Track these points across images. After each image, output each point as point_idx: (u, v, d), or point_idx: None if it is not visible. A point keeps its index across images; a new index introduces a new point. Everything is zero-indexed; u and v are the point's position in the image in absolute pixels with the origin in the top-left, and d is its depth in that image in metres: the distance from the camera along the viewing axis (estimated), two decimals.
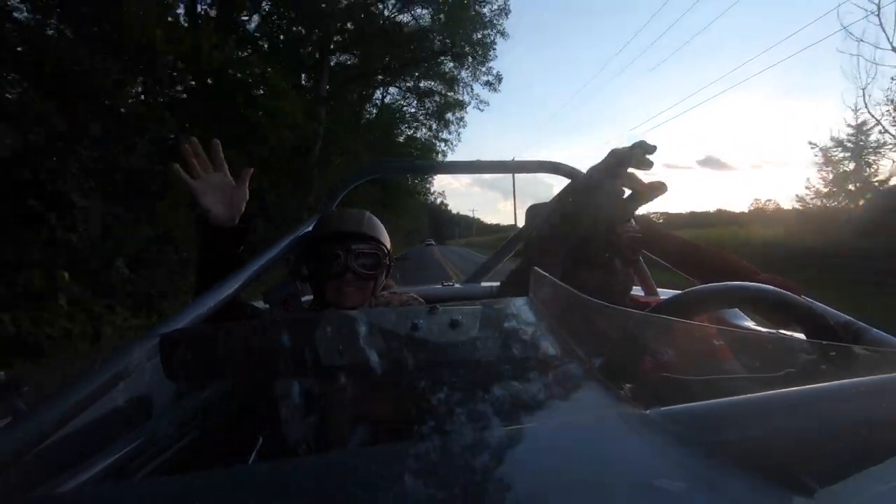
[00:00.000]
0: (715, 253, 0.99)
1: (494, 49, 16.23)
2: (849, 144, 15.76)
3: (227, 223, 0.91)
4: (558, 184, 1.37)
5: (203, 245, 0.93)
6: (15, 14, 5.05)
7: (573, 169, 1.37)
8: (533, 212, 1.26)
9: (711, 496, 0.25)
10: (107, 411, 0.77)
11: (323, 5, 12.47)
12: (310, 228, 1.11)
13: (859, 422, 0.29)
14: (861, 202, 14.29)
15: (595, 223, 0.87)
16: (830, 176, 16.25)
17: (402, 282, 1.28)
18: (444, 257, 25.65)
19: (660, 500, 0.25)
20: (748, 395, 0.32)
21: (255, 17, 12.45)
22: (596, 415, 0.34)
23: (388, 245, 1.04)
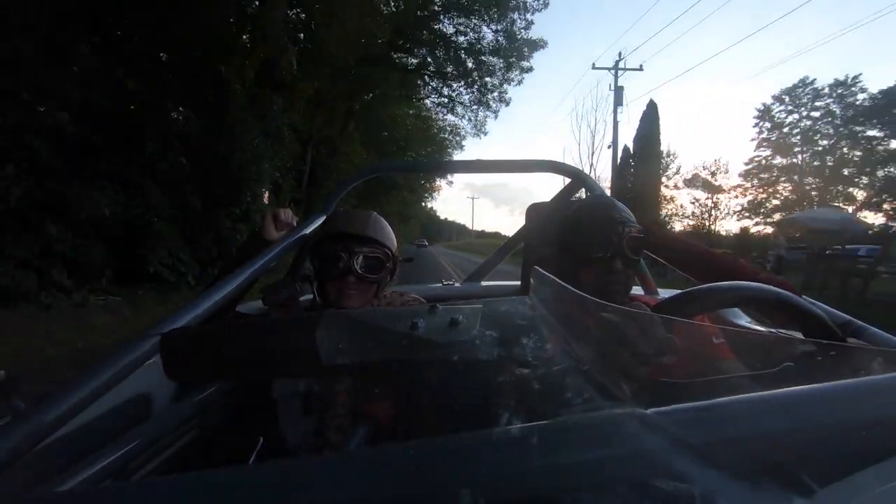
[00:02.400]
0: (715, 253, 0.99)
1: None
2: None
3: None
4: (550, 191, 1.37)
5: (248, 244, 1.03)
6: None
7: (573, 168, 1.37)
8: (533, 212, 1.26)
9: (711, 496, 0.25)
10: (107, 411, 0.78)
11: None
12: (309, 229, 1.11)
13: (859, 422, 0.29)
14: None
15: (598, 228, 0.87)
16: None
17: (404, 278, 1.27)
18: (432, 252, 38.08)
19: (660, 501, 0.25)
20: (748, 394, 0.32)
21: None
22: (596, 415, 0.34)
23: (394, 247, 1.04)
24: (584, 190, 1.32)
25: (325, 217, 1.18)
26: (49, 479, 0.53)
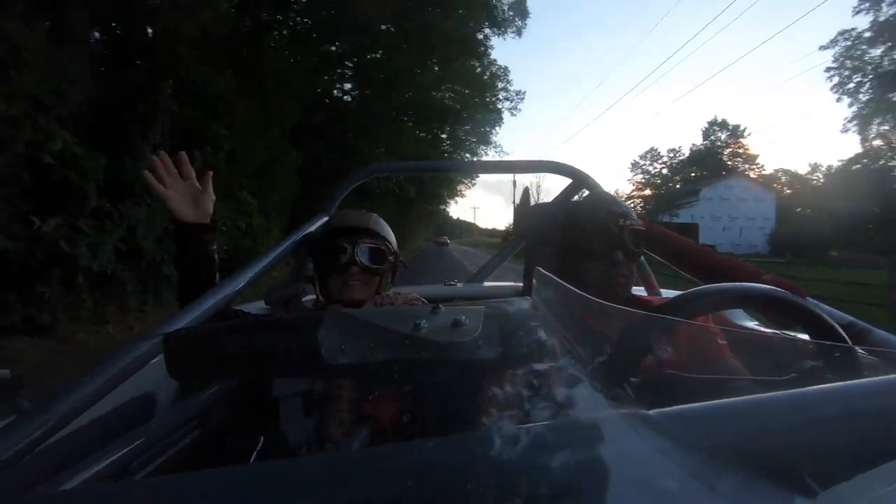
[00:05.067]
0: (716, 254, 0.99)
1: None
2: None
3: (196, 221, 0.93)
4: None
5: (178, 246, 0.94)
6: None
7: (574, 169, 1.37)
8: (534, 212, 1.26)
9: (712, 497, 0.25)
10: (110, 410, 0.78)
11: None
12: (312, 229, 1.11)
13: (861, 423, 0.29)
14: None
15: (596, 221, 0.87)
16: None
17: (412, 275, 1.28)
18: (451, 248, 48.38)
19: (660, 500, 0.25)
20: (750, 395, 0.32)
21: None
22: (597, 415, 0.34)
23: (395, 246, 1.05)
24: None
25: (325, 218, 1.18)
26: (52, 478, 0.53)
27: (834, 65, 17.39)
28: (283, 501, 0.26)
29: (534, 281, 0.62)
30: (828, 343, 0.50)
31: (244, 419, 0.92)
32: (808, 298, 0.58)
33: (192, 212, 0.92)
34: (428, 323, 0.52)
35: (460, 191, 33.53)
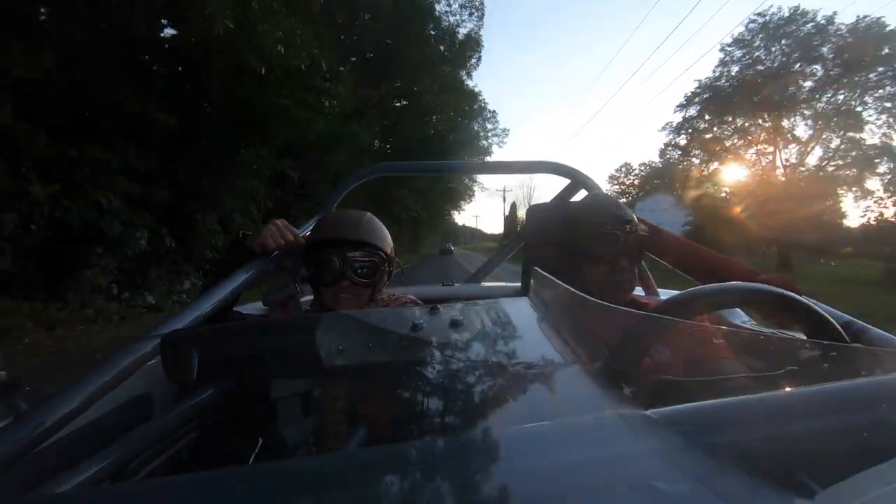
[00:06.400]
0: (715, 254, 0.99)
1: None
2: None
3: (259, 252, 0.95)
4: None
5: (232, 260, 0.95)
6: None
7: (573, 169, 1.37)
8: (534, 212, 1.26)
9: (711, 497, 0.25)
10: (108, 411, 0.78)
11: None
12: (309, 231, 1.10)
13: (860, 422, 0.29)
14: None
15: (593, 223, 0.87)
16: None
17: (414, 275, 1.28)
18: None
19: (660, 501, 0.25)
20: (748, 395, 0.32)
21: None
22: (596, 415, 0.34)
23: (389, 249, 1.01)
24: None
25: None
26: (49, 480, 0.53)
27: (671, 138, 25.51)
28: (282, 501, 0.26)
29: (532, 281, 0.62)
30: (826, 342, 0.50)
31: (242, 421, 0.92)
32: (805, 297, 0.58)
33: (262, 250, 0.95)
34: (427, 323, 0.52)
35: (461, 205, 37.54)
